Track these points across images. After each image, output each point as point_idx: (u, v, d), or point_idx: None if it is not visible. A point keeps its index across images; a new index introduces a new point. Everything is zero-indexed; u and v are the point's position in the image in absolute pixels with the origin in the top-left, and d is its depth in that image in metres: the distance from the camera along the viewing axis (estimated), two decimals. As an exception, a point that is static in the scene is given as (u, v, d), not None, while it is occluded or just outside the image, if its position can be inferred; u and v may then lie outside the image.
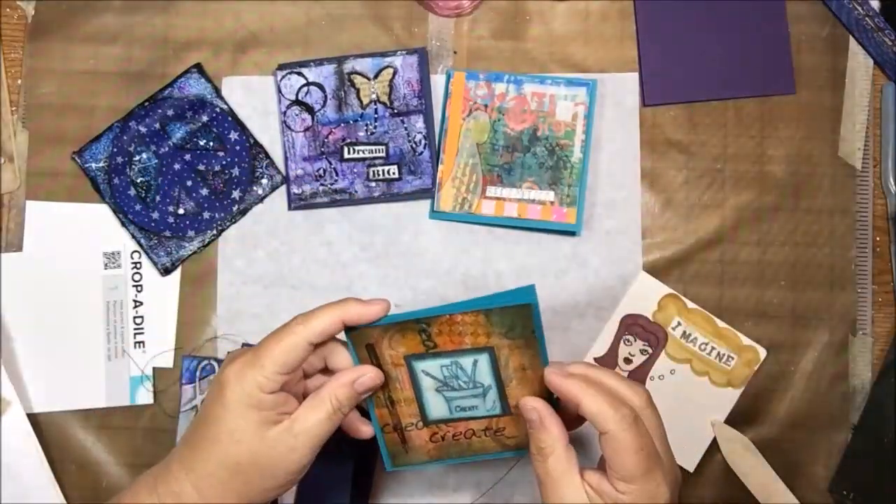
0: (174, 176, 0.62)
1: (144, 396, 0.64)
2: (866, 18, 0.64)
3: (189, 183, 0.62)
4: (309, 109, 0.65)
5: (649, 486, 0.44)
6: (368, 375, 0.49)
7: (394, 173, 0.64)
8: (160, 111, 0.63)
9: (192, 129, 0.63)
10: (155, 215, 0.62)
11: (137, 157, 0.62)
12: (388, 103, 0.64)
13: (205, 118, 0.63)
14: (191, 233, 0.63)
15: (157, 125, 0.62)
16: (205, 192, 0.62)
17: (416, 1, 0.65)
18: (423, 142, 0.64)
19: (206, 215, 0.63)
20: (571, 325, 0.64)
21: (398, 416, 0.52)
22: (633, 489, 0.44)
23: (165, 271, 0.63)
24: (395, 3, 0.65)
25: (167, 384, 0.64)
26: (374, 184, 0.64)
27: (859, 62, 0.65)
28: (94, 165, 0.62)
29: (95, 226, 0.64)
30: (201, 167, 0.63)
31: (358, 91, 0.64)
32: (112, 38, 0.66)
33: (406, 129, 0.64)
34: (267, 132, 0.65)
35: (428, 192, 0.64)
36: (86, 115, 0.65)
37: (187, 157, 0.62)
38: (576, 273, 0.64)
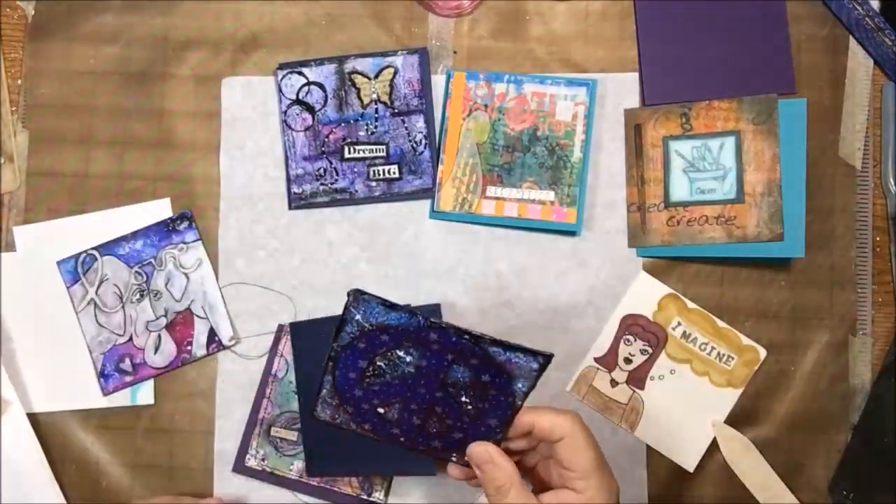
0: (409, 392, 0.50)
1: (145, 396, 0.64)
2: (866, 18, 0.64)
3: (413, 406, 0.50)
4: (309, 109, 0.65)
5: (604, 477, 0.48)
6: None
7: (394, 173, 0.64)
8: (469, 354, 0.49)
9: (473, 384, 0.49)
10: (358, 393, 0.50)
11: (401, 353, 0.49)
12: (388, 103, 0.64)
13: (493, 391, 0.50)
14: (367, 426, 0.51)
15: (451, 355, 0.49)
16: (416, 422, 0.51)
17: (416, 1, 0.65)
18: (423, 141, 0.64)
19: (394, 431, 0.51)
20: (571, 325, 0.64)
21: (645, 195, 0.57)
22: (591, 483, 0.47)
23: (311, 412, 0.52)
24: (395, 3, 0.65)
25: (169, 385, 0.64)
26: (374, 183, 0.64)
27: (859, 62, 0.65)
28: (357, 316, 0.49)
29: (91, 232, 0.64)
30: (438, 409, 0.50)
31: (358, 91, 0.64)
32: (112, 38, 0.66)
33: (406, 128, 0.64)
34: (267, 132, 0.65)
35: (428, 192, 0.64)
36: (86, 115, 0.65)
37: (438, 394, 0.50)
38: (576, 273, 0.64)
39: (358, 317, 0.48)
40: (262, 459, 0.63)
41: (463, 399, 0.50)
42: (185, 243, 0.64)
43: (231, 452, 0.63)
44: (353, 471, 0.62)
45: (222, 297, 0.64)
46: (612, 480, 0.49)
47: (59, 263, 0.64)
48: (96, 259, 0.63)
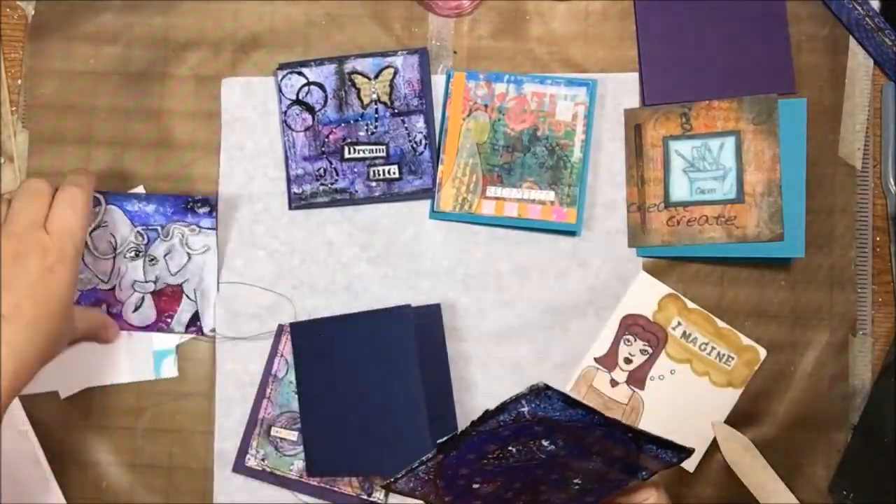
0: (522, 472, 0.46)
1: (169, 369, 0.64)
2: (866, 18, 0.64)
3: (517, 485, 0.47)
4: (309, 109, 0.65)
5: None
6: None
7: (394, 173, 0.64)
8: (619, 445, 0.46)
9: (591, 469, 0.46)
10: (463, 471, 0.45)
11: (545, 442, 0.45)
12: (388, 103, 0.64)
13: (611, 476, 0.47)
14: (448, 499, 0.47)
15: (598, 447, 0.46)
16: (507, 495, 0.48)
17: (416, 1, 0.65)
18: (423, 142, 0.64)
19: (476, 503, 0.48)
20: (571, 325, 0.64)
21: (645, 195, 0.57)
22: None
23: (391, 483, 0.47)
24: (395, 3, 0.65)
25: (170, 385, 0.64)
26: (374, 183, 0.64)
27: (859, 62, 0.65)
28: (524, 409, 0.43)
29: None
30: (543, 489, 0.47)
31: (358, 91, 0.64)
32: (112, 38, 0.66)
33: (406, 128, 0.64)
34: (267, 132, 0.65)
35: (428, 192, 0.64)
36: (86, 115, 0.65)
37: (553, 477, 0.46)
38: (576, 273, 0.64)
39: (525, 409, 0.42)
40: (263, 459, 0.63)
41: (575, 482, 0.46)
42: (198, 226, 0.63)
43: (231, 452, 0.63)
44: (353, 471, 0.62)
45: (217, 289, 0.64)
46: None
47: None
48: (100, 203, 0.63)
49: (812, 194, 0.64)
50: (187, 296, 0.63)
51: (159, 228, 0.63)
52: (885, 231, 0.65)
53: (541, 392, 0.41)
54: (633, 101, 0.65)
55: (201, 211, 0.63)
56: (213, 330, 0.63)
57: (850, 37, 0.65)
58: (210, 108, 0.65)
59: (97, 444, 0.64)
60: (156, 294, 0.63)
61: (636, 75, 0.65)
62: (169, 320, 0.63)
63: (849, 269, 0.64)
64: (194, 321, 0.63)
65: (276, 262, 0.64)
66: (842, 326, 0.64)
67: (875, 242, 0.65)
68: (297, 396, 0.63)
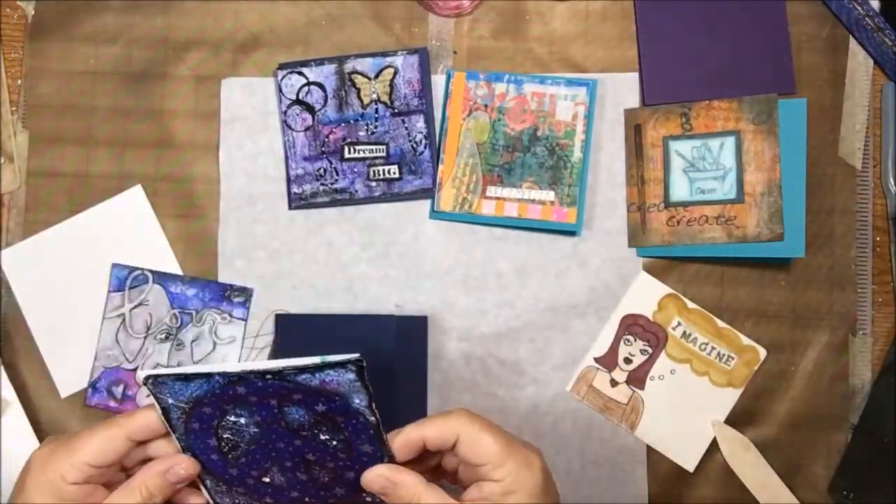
0: (272, 451, 0.48)
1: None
2: (866, 18, 0.64)
3: (288, 464, 0.48)
4: (309, 109, 0.65)
5: (518, 457, 0.45)
6: (182, 465, 0.47)
7: (394, 173, 0.64)
8: (284, 392, 0.46)
9: (317, 419, 0.47)
10: (233, 472, 0.49)
11: (233, 418, 0.47)
12: (388, 103, 0.64)
13: (340, 419, 0.47)
14: (268, 499, 0.50)
15: (273, 401, 0.46)
16: (303, 477, 0.49)
17: (416, 1, 0.65)
18: (423, 141, 0.64)
19: (294, 495, 0.49)
20: (571, 325, 0.64)
21: (645, 195, 0.57)
22: (507, 469, 0.45)
23: None
24: (395, 3, 0.65)
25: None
26: (374, 183, 0.64)
27: (859, 62, 0.65)
28: (170, 400, 0.47)
29: (99, 231, 0.64)
30: (311, 457, 0.48)
31: (358, 91, 0.64)
32: (112, 38, 0.66)
33: (406, 128, 0.64)
34: (267, 132, 0.65)
35: (428, 192, 0.64)
36: (86, 115, 0.65)
37: (297, 442, 0.47)
38: (576, 273, 0.64)
39: (171, 400, 0.45)
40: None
41: (322, 438, 0.47)
42: (230, 315, 0.64)
43: (231, 452, 0.63)
44: None
45: None
46: (532, 456, 0.46)
47: (113, 266, 0.64)
48: (147, 281, 0.63)
49: (812, 194, 0.64)
50: None
51: (194, 313, 0.63)
52: (885, 231, 0.65)
53: (154, 380, 0.45)
54: (633, 101, 0.65)
55: (236, 300, 0.63)
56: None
57: (850, 37, 0.65)
58: (210, 108, 0.65)
59: (97, 444, 0.64)
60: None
61: (636, 75, 0.65)
62: None
63: (849, 269, 0.64)
64: None
65: (276, 262, 0.64)
66: (842, 326, 0.64)
67: (875, 242, 0.65)
68: None
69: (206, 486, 0.49)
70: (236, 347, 0.63)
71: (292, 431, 0.47)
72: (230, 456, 0.48)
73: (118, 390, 0.63)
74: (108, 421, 0.46)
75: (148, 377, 0.45)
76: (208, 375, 0.45)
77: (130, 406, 0.63)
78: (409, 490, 0.46)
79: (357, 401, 0.45)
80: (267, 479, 0.48)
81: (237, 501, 0.50)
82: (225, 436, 0.47)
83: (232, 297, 0.63)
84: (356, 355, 0.44)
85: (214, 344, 0.63)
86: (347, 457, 0.47)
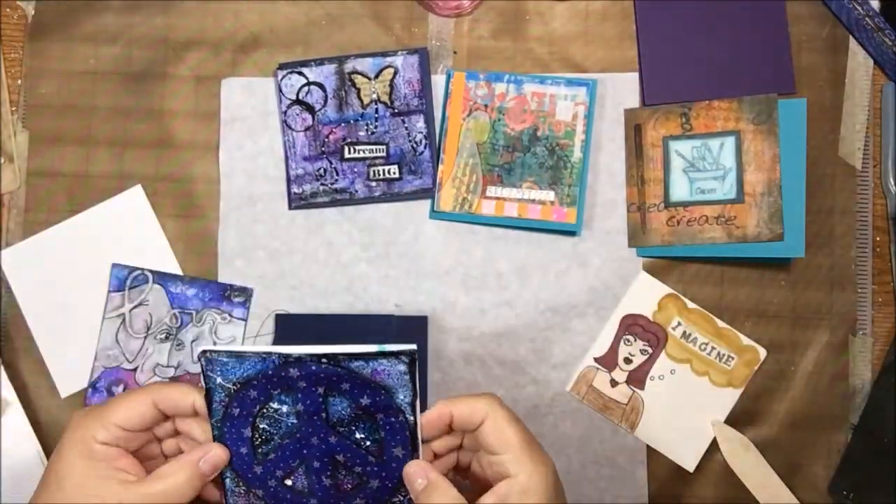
0: (304, 448, 0.48)
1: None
2: (866, 18, 0.64)
3: (316, 464, 0.48)
4: (309, 109, 0.65)
5: (536, 455, 0.46)
6: (214, 452, 0.47)
7: (394, 173, 0.64)
8: (335, 378, 0.46)
9: (358, 414, 0.47)
10: (258, 469, 0.48)
11: (275, 405, 0.47)
12: (388, 103, 0.64)
13: (380, 416, 0.47)
14: None
15: (321, 388, 0.47)
16: (327, 482, 0.48)
17: (416, 1, 0.65)
18: (423, 141, 0.64)
19: (313, 502, 0.49)
20: (571, 325, 0.64)
21: (645, 195, 0.57)
22: (524, 464, 0.45)
23: None
24: (395, 3, 0.65)
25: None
26: (374, 183, 0.64)
27: (859, 62, 0.65)
28: (218, 379, 0.47)
29: (99, 231, 0.64)
30: (340, 458, 0.48)
31: (358, 91, 0.64)
32: (112, 38, 0.66)
33: (406, 128, 0.64)
34: (267, 132, 0.65)
35: (428, 192, 0.64)
36: (86, 115, 0.65)
37: (332, 438, 0.47)
38: (576, 273, 0.64)
39: (219, 379, 0.46)
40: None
41: (358, 436, 0.47)
42: (230, 315, 0.64)
43: (231, 452, 0.63)
44: None
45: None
46: (547, 458, 0.46)
47: (113, 266, 0.64)
48: (147, 281, 0.63)
49: (812, 194, 0.64)
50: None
51: (194, 313, 0.63)
52: (885, 231, 0.65)
53: (208, 357, 0.45)
54: (633, 101, 0.65)
55: (236, 300, 0.63)
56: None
57: (850, 37, 0.65)
58: (210, 108, 0.65)
59: (97, 444, 0.64)
60: (173, 381, 0.63)
61: (636, 75, 0.65)
62: None
63: (849, 269, 0.64)
64: None
65: (276, 262, 0.64)
66: (842, 326, 0.64)
67: (875, 242, 0.65)
68: None
69: (224, 485, 0.49)
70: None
71: (331, 426, 0.47)
72: (260, 451, 0.48)
73: (118, 390, 0.63)
74: (143, 386, 0.48)
75: (203, 352, 0.45)
76: (265, 354, 0.45)
77: None
78: (442, 492, 0.46)
79: (401, 397, 0.46)
80: (289, 482, 0.48)
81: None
82: (262, 426, 0.47)
83: (232, 297, 0.63)
84: (412, 346, 0.44)
85: (215, 344, 0.63)
86: (377, 460, 0.47)
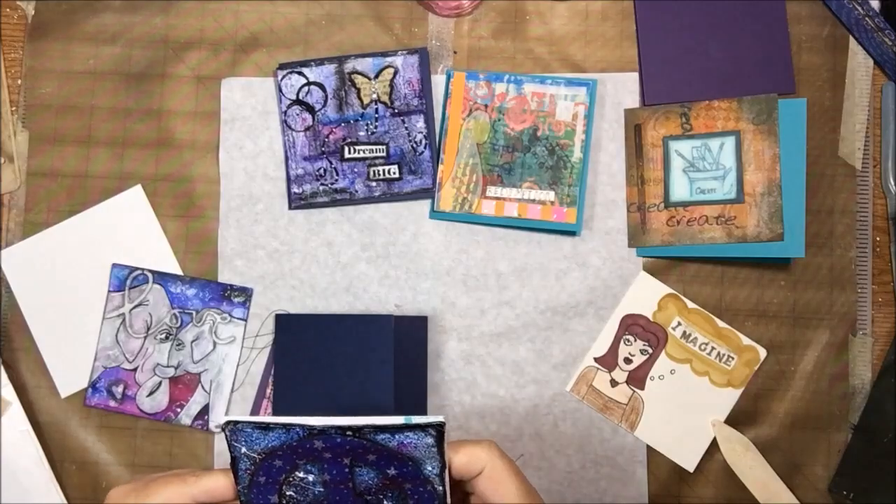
0: None
1: None
2: (866, 18, 0.64)
3: None
4: (309, 109, 0.65)
5: None
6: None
7: (394, 173, 0.64)
8: (360, 451, 0.46)
9: (383, 483, 0.46)
10: None
11: (301, 474, 0.46)
12: (388, 103, 0.64)
13: (408, 486, 0.46)
14: None
15: (347, 460, 0.46)
16: None
17: (416, 1, 0.65)
18: (423, 141, 0.64)
19: None
20: (571, 325, 0.64)
21: (645, 195, 0.57)
22: None
23: None
24: (395, 3, 0.65)
25: (167, 384, 0.64)
26: (374, 183, 0.64)
27: (859, 62, 0.65)
28: (243, 449, 0.46)
29: (99, 231, 0.64)
30: None
31: (358, 91, 0.64)
32: (112, 38, 0.66)
33: (406, 128, 0.64)
34: (267, 132, 0.65)
35: (428, 192, 0.64)
36: (86, 115, 0.65)
37: None
38: (576, 273, 0.64)
39: (244, 449, 0.45)
40: (262, 459, 0.63)
41: None
42: (230, 315, 0.64)
43: (231, 452, 0.63)
44: None
45: (233, 384, 0.64)
46: None
47: (113, 266, 0.64)
48: (147, 281, 0.63)
49: (812, 194, 0.64)
50: (203, 386, 0.63)
51: (194, 313, 0.63)
52: (885, 231, 0.65)
53: (233, 427, 0.44)
54: (633, 101, 0.65)
55: (236, 300, 0.63)
56: (220, 426, 0.63)
57: (850, 37, 0.65)
58: (210, 108, 0.65)
59: (97, 444, 0.64)
60: (173, 381, 0.63)
61: (636, 75, 0.65)
62: (178, 410, 0.63)
63: (849, 269, 0.64)
64: (202, 414, 0.63)
65: (276, 262, 0.64)
66: (842, 326, 0.64)
67: (875, 242, 0.65)
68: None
69: None
70: (236, 347, 0.63)
71: (358, 495, 0.46)
72: None
73: (118, 390, 0.63)
74: (181, 476, 0.47)
75: (227, 423, 0.44)
76: (289, 426, 0.44)
77: (130, 407, 0.63)
78: None
79: (429, 468, 0.45)
80: None
81: None
82: (288, 493, 0.46)
83: (232, 296, 0.63)
84: (440, 419, 0.43)
85: (214, 344, 0.63)
86: None
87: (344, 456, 0.45)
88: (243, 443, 0.45)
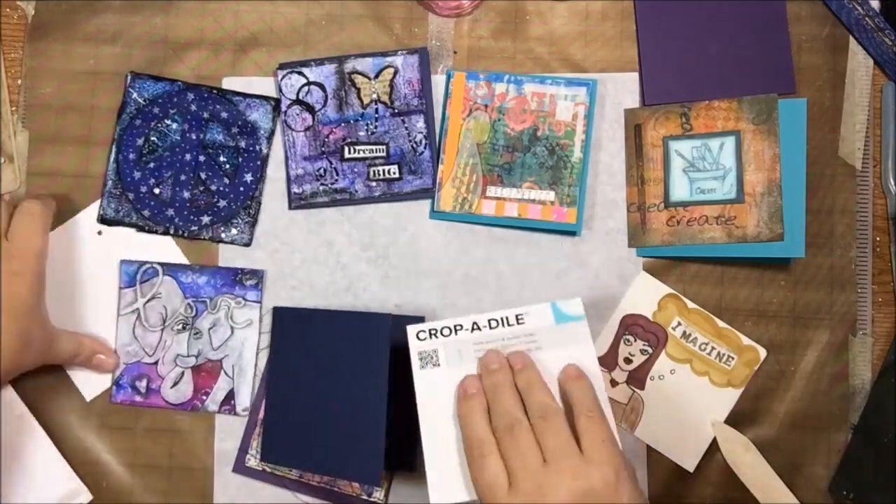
0: (177, 162, 0.62)
1: None
2: (866, 18, 0.64)
3: (182, 177, 0.62)
4: (309, 109, 0.65)
5: None
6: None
7: (394, 173, 0.64)
8: (218, 107, 0.62)
9: (226, 142, 0.62)
10: (136, 175, 0.62)
11: (168, 121, 0.61)
12: (388, 103, 0.64)
13: (242, 144, 0.62)
14: (146, 212, 0.62)
15: (206, 114, 0.62)
16: (186, 195, 0.62)
17: (416, 1, 0.65)
18: (423, 141, 0.64)
19: (169, 213, 0.62)
20: (571, 325, 0.64)
21: (645, 195, 0.58)
22: None
23: (102, 221, 0.63)
24: (395, 3, 0.65)
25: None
26: (374, 183, 0.64)
27: (859, 62, 0.65)
28: (134, 95, 0.62)
29: (99, 230, 0.64)
30: (202, 175, 0.62)
31: (358, 91, 0.64)
32: (112, 38, 0.66)
33: (406, 128, 0.64)
34: (267, 132, 0.65)
35: (428, 192, 0.64)
36: (86, 115, 0.65)
37: (201, 157, 0.62)
38: (576, 273, 0.64)
39: (135, 95, 0.57)
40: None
41: (221, 159, 0.58)
42: (244, 299, 0.63)
43: (231, 452, 0.63)
44: (303, 467, 0.62)
45: (256, 364, 0.64)
46: None
47: (121, 262, 0.64)
48: (157, 274, 0.63)
49: (812, 194, 0.64)
50: (225, 372, 0.63)
51: (208, 301, 0.63)
52: (885, 231, 0.65)
53: (135, 76, 0.62)
54: (633, 101, 0.65)
55: (249, 283, 0.63)
56: (247, 408, 0.63)
57: (850, 37, 0.65)
58: (210, 108, 0.65)
59: (97, 444, 0.64)
60: (195, 369, 0.63)
61: (636, 75, 0.65)
62: (204, 398, 0.63)
63: (849, 269, 0.64)
64: (228, 399, 0.63)
65: (276, 262, 0.64)
66: (842, 326, 0.64)
67: (875, 242, 0.65)
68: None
69: (105, 188, 0.62)
70: (254, 330, 0.63)
71: (204, 148, 0.59)
72: (143, 159, 0.61)
73: (142, 385, 0.63)
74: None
75: (132, 73, 0.60)
76: (173, 80, 0.62)
77: (156, 399, 0.63)
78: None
79: (261, 132, 0.60)
80: (157, 191, 0.60)
81: (121, 208, 0.62)
82: (153, 138, 0.59)
83: (244, 280, 0.63)
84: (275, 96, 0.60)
85: (232, 329, 0.63)
86: (230, 185, 0.61)
87: (205, 111, 0.60)
88: (136, 89, 0.61)
